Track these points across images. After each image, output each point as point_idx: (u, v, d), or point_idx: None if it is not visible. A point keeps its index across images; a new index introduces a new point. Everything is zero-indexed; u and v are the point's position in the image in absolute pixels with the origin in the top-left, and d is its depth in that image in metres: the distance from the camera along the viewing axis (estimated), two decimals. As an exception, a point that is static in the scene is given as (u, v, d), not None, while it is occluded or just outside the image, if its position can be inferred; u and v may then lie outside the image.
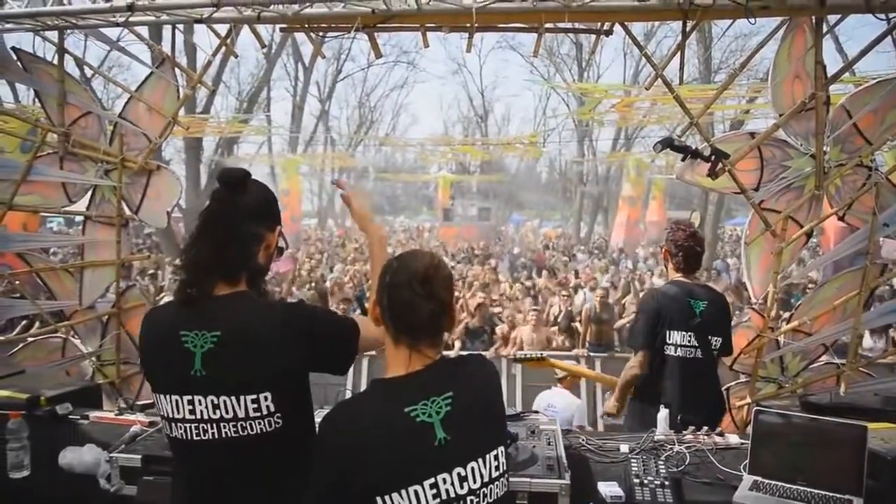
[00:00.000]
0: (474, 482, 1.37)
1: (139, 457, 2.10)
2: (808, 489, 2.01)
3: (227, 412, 1.54)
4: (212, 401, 1.54)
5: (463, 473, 1.36)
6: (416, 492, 1.33)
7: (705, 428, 2.55)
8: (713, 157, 3.39)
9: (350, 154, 32.58)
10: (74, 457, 2.20)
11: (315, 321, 1.65)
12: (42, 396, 2.83)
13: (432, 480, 1.34)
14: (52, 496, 2.17)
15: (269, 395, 1.54)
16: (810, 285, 8.31)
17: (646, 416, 2.93)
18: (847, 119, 3.49)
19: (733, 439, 2.46)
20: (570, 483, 1.98)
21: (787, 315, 3.80)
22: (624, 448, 2.40)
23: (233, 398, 1.54)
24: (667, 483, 2.02)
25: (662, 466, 2.14)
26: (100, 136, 4.09)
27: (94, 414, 2.81)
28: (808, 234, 3.61)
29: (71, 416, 2.78)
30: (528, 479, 1.92)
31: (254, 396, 1.54)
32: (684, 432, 2.53)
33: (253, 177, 1.74)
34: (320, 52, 4.23)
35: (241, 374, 1.54)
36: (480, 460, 1.39)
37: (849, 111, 3.50)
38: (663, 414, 2.54)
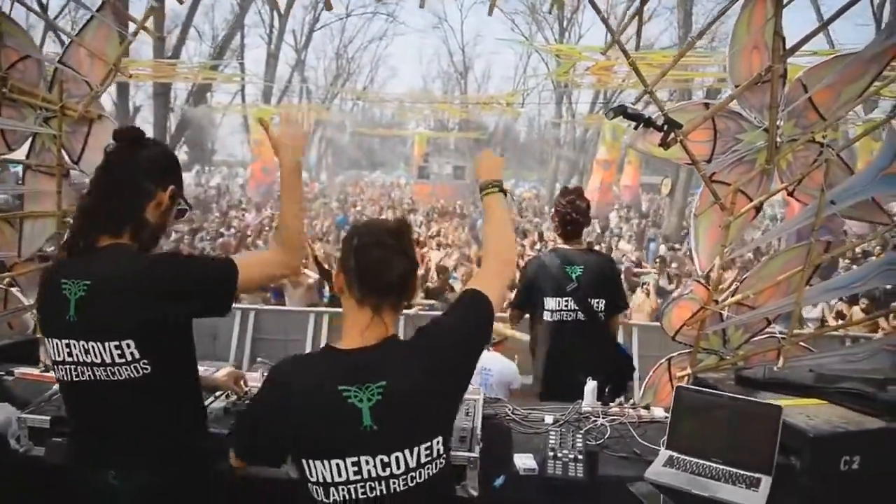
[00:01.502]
0: (398, 468, 1.38)
1: (48, 418, 2.05)
2: (721, 466, 2.05)
3: (96, 357, 1.62)
4: (83, 345, 1.64)
5: (386, 460, 1.38)
6: (337, 465, 1.37)
7: (632, 401, 2.57)
8: (666, 127, 3.36)
9: (326, 107, 31.95)
10: (-15, 416, 2.14)
11: (183, 268, 1.68)
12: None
13: (355, 459, 1.37)
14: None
15: (131, 342, 1.61)
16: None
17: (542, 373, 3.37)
18: (803, 93, 3.46)
19: (658, 413, 2.48)
20: (482, 456, 1.98)
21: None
22: (549, 419, 2.42)
23: (99, 344, 1.61)
24: (580, 457, 2.03)
25: (580, 440, 2.15)
26: (39, 82, 3.90)
27: (18, 370, 2.74)
28: (758, 209, 3.61)
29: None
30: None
31: (116, 343, 1.61)
32: (611, 404, 2.55)
33: (150, 136, 1.80)
34: None
35: (105, 321, 1.61)
36: (407, 451, 1.39)
37: (805, 85, 3.46)
38: (591, 386, 2.55)
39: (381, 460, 1.38)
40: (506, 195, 1.96)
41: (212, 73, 18.68)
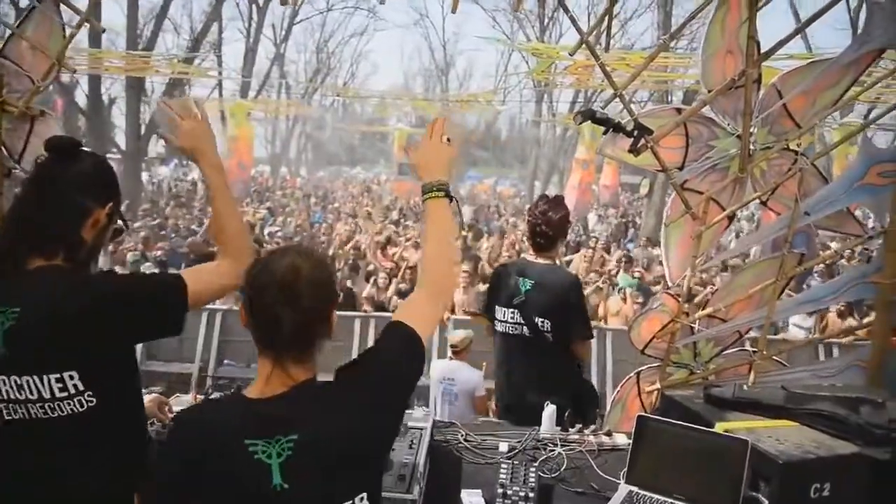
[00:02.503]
0: None
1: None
2: None
3: (31, 393, 1.44)
4: (15, 381, 1.45)
5: None
6: None
7: (592, 427, 2.43)
8: (636, 133, 3.22)
9: (306, 102, 31.58)
10: None
11: (127, 290, 1.54)
12: None
13: None
14: None
15: (74, 373, 1.44)
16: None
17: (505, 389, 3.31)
18: (778, 99, 3.34)
19: (621, 440, 2.34)
20: (426, 491, 1.82)
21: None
22: (503, 447, 2.26)
23: (35, 378, 1.43)
24: (531, 494, 1.88)
25: (533, 473, 1.99)
26: (-23, 76, 3.68)
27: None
28: (730, 218, 3.48)
29: None
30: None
31: (57, 375, 1.44)
32: (571, 430, 2.40)
33: (87, 149, 1.64)
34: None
35: (43, 353, 1.44)
36: None
37: (780, 91, 3.34)
38: (549, 411, 2.41)
39: None
40: (452, 201, 1.69)
41: (186, 67, 18.27)
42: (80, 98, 19.29)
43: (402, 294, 8.39)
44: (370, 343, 7.80)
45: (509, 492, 1.89)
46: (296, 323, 1.26)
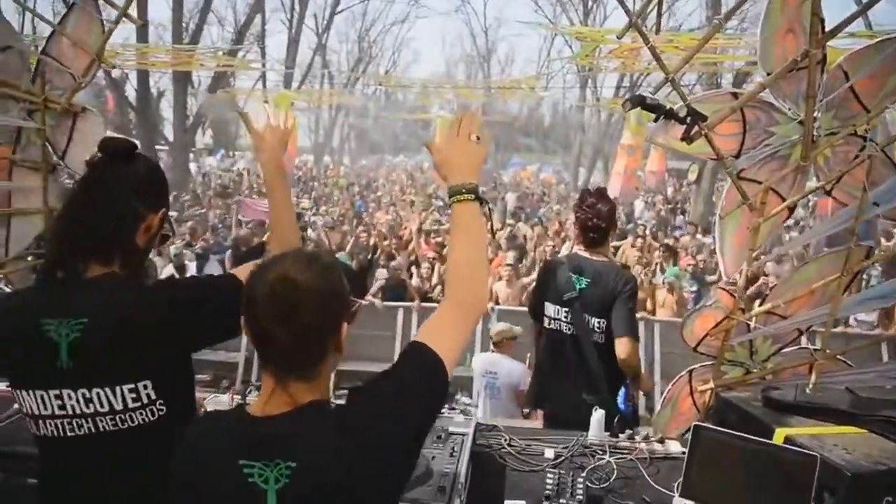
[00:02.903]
0: None
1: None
2: (744, 521, 1.77)
3: (101, 405, 1.40)
4: (83, 394, 1.41)
5: None
6: None
7: (645, 433, 2.30)
8: (689, 119, 3.05)
9: (349, 91, 31.71)
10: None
11: (195, 296, 1.50)
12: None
13: None
14: None
15: (148, 383, 1.40)
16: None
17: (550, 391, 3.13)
18: (844, 81, 3.11)
19: (674, 447, 2.21)
20: (468, 500, 1.74)
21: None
22: (549, 454, 2.16)
23: (107, 390, 1.39)
24: (580, 509, 1.77)
25: (581, 483, 1.89)
26: (22, 74, 3.71)
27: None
28: (791, 210, 3.28)
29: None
30: (410, 504, 1.65)
31: (131, 386, 1.40)
32: (621, 436, 2.28)
33: (139, 151, 1.58)
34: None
35: (113, 363, 1.39)
36: None
37: (846, 73, 3.11)
38: (598, 416, 2.29)
39: None
40: (483, 205, 1.49)
41: (230, 60, 18.49)
42: (131, 92, 19.77)
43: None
44: (413, 335, 7.86)
45: (556, 503, 1.79)
46: (293, 342, 1.13)
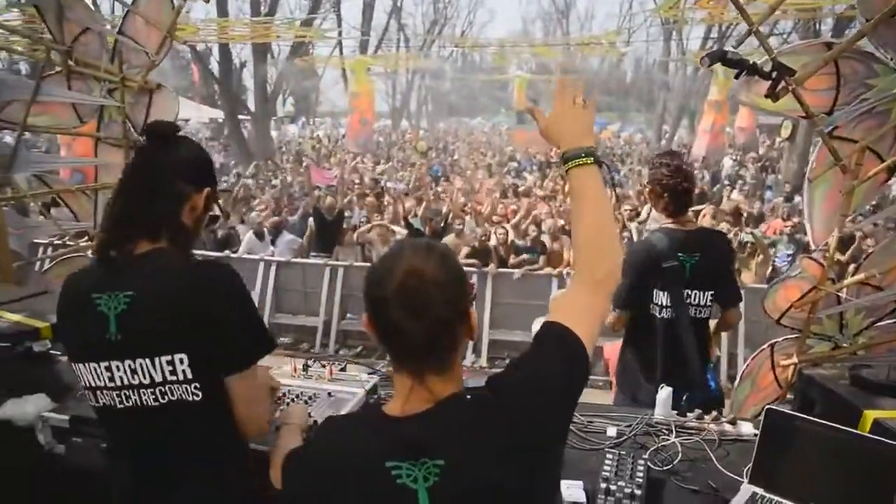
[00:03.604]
0: None
1: (67, 417, 1.98)
2: (818, 513, 1.65)
3: (144, 377, 1.45)
4: (129, 365, 1.45)
5: None
6: None
7: (714, 413, 2.18)
8: (775, 74, 2.80)
9: (425, 54, 31.54)
10: (16, 409, 2.11)
11: (238, 301, 1.51)
12: (45, 325, 2.73)
13: None
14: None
15: (184, 357, 1.43)
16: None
17: (633, 383, 2.90)
18: (956, 25, 2.77)
19: (746, 429, 2.09)
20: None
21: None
22: (612, 432, 2.09)
23: (147, 360, 1.44)
24: (638, 492, 1.70)
25: (642, 466, 1.81)
26: (102, 54, 3.88)
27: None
28: (890, 171, 2.98)
29: (52, 351, 2.70)
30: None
31: (168, 358, 1.43)
32: (689, 415, 2.17)
33: (183, 133, 1.61)
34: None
35: (155, 334, 1.43)
36: None
37: (959, 16, 2.77)
38: (664, 394, 2.18)
39: None
40: (602, 167, 1.40)
41: (306, 30, 18.69)
42: (214, 65, 20.39)
43: (519, 250, 8.23)
44: (487, 296, 7.83)
45: (613, 487, 1.72)
46: (427, 335, 1.10)
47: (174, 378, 1.44)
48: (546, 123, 1.50)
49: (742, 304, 6.67)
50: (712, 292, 2.85)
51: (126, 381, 1.46)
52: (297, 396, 2.03)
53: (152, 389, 1.45)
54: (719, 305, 2.96)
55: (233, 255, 8.80)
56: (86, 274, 1.55)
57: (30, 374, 2.34)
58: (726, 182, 13.54)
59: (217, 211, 1.72)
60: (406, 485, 1.07)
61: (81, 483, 1.84)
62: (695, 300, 2.83)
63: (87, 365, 1.48)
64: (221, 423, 1.52)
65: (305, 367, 2.23)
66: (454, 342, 1.15)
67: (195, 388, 1.45)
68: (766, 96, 2.86)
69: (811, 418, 1.79)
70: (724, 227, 8.17)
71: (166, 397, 1.46)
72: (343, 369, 2.24)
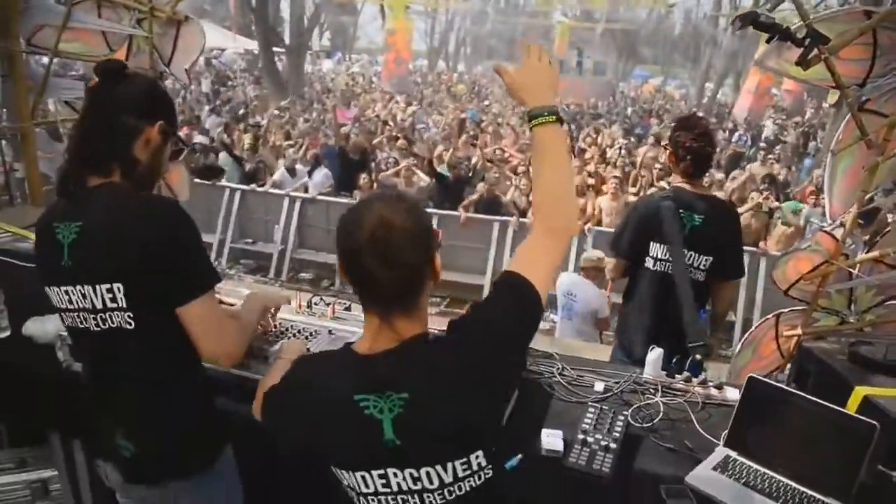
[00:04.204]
0: (430, 483, 1.22)
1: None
2: (785, 480, 1.71)
3: (89, 303, 1.56)
4: (79, 290, 1.57)
5: (416, 475, 1.21)
6: (363, 477, 1.24)
7: (703, 375, 2.23)
8: (807, 41, 2.72)
9: (467, -7, 30.70)
10: (37, 328, 2.24)
11: (179, 236, 1.56)
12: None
13: (381, 472, 1.22)
14: (18, 362, 2.24)
15: (120, 286, 1.53)
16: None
17: (629, 338, 3.03)
18: None
19: (732, 394, 2.13)
20: (508, 424, 1.79)
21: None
22: (599, 387, 2.15)
23: (90, 287, 1.55)
24: (612, 446, 1.77)
25: (622, 422, 1.88)
26: (133, -19, 3.89)
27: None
28: (918, 148, 2.90)
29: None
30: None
31: (108, 286, 1.53)
32: (678, 377, 2.23)
33: (132, 70, 1.66)
34: None
35: (96, 263, 1.53)
36: (438, 467, 1.21)
37: None
38: (655, 354, 2.23)
39: (411, 474, 1.21)
40: (562, 124, 1.48)
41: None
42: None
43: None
44: (508, 249, 7.87)
45: (590, 439, 1.79)
46: (395, 281, 1.19)
47: (113, 305, 1.54)
48: (511, 80, 1.54)
49: (762, 269, 6.66)
50: (710, 258, 2.87)
51: (79, 305, 1.57)
52: (299, 332, 2.12)
53: (94, 315, 1.56)
54: (718, 277, 2.98)
55: (259, 190, 8.94)
56: (54, 205, 1.66)
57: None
58: (763, 145, 13.16)
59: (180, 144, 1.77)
60: (373, 415, 1.19)
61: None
62: (688, 260, 2.90)
63: (50, 288, 1.61)
64: (158, 353, 1.61)
65: (310, 304, 2.32)
66: (421, 286, 1.25)
67: (129, 317, 1.55)
68: (797, 64, 2.79)
69: (791, 390, 1.84)
70: (753, 195, 8.03)
71: (106, 324, 1.56)
72: (348, 308, 2.34)
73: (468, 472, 1.23)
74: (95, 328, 1.58)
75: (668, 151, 3.01)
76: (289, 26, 21.74)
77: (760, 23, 2.74)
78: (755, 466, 1.76)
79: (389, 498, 1.23)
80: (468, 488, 1.23)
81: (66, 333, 2.11)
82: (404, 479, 1.22)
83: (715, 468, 1.75)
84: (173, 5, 3.77)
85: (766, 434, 1.80)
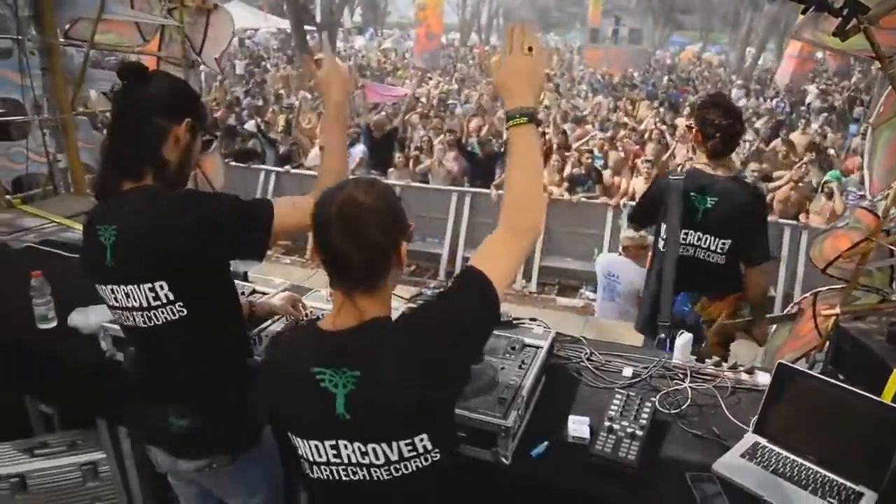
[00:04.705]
0: (376, 459, 1.28)
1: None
2: (815, 468, 1.69)
3: (134, 301, 1.61)
4: (123, 290, 1.62)
5: (364, 449, 1.28)
6: (316, 446, 1.30)
7: (734, 361, 2.21)
8: (845, 11, 2.62)
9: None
10: (81, 319, 2.34)
11: (214, 210, 1.60)
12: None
13: (333, 443, 1.29)
14: (66, 351, 2.35)
15: (164, 283, 1.58)
16: None
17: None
18: None
19: (763, 379, 2.11)
20: (532, 413, 1.86)
21: None
22: (627, 372, 2.16)
23: (134, 287, 1.60)
24: (639, 433, 1.77)
25: (648, 408, 1.87)
26: (163, -28, 3.95)
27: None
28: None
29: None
30: (466, 414, 1.71)
31: (150, 285, 1.58)
32: (707, 361, 2.21)
33: (155, 69, 1.74)
34: None
35: (137, 264, 1.59)
36: (384, 444, 1.27)
37: None
38: (684, 339, 2.21)
39: (359, 448, 1.27)
40: (538, 126, 1.53)
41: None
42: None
43: (573, 180, 8.10)
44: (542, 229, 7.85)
45: (616, 426, 1.80)
46: (361, 258, 1.24)
47: (157, 303, 1.60)
48: (496, 79, 1.53)
49: (803, 243, 6.48)
50: (728, 241, 2.83)
51: (124, 304, 1.64)
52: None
53: (141, 313, 1.62)
54: (740, 261, 2.92)
55: (293, 171, 9.04)
56: (94, 207, 1.72)
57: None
58: (804, 112, 12.71)
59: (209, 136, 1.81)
60: (328, 389, 1.25)
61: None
62: (705, 244, 2.87)
63: (100, 287, 1.68)
64: (209, 333, 1.68)
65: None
66: (385, 268, 1.29)
67: (179, 306, 1.61)
68: (834, 34, 2.69)
69: (821, 377, 1.81)
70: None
71: (152, 321, 1.62)
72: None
73: (413, 453, 1.28)
74: (143, 324, 1.64)
75: (693, 130, 2.95)
76: (320, 4, 21.71)
77: (796, -7, 2.65)
78: (784, 453, 1.74)
79: (340, 469, 1.30)
80: (414, 468, 1.29)
81: (108, 324, 2.22)
82: (353, 452, 1.27)
83: (743, 455, 1.74)
84: (202, -6, 3.82)
85: (796, 421, 1.78)
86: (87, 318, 2.34)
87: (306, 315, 2.22)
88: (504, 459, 1.72)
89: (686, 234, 2.89)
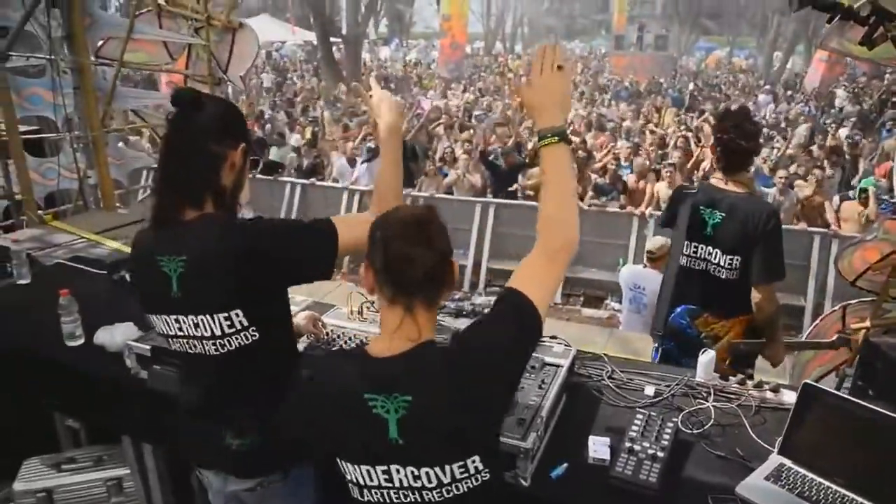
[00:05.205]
0: (429, 482, 1.30)
1: (149, 347, 2.21)
2: (843, 491, 1.64)
3: (206, 330, 1.61)
4: (192, 320, 1.61)
5: (416, 473, 1.30)
6: (368, 471, 1.32)
7: (759, 378, 2.17)
8: (872, 19, 2.57)
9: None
10: (106, 336, 2.39)
11: (276, 237, 1.62)
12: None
13: (385, 468, 1.31)
14: (92, 368, 2.40)
15: (239, 311, 1.58)
16: None
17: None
18: None
19: (789, 397, 2.07)
20: (556, 431, 1.86)
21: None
22: (649, 391, 2.13)
23: (206, 317, 1.59)
24: (660, 455, 1.75)
25: (670, 429, 1.85)
26: (189, -9, 4.04)
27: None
28: None
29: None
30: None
31: (225, 314, 1.58)
32: (731, 379, 2.17)
33: (207, 93, 1.71)
34: None
35: (211, 294, 1.58)
36: (437, 468, 1.29)
37: None
38: (707, 357, 2.18)
39: (412, 472, 1.29)
40: (569, 144, 1.53)
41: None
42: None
43: (598, 189, 8.05)
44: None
45: (637, 447, 1.77)
46: (426, 264, 1.28)
47: (232, 330, 1.60)
48: (526, 101, 1.56)
49: (832, 252, 6.35)
50: (736, 257, 2.79)
51: (191, 333, 1.63)
52: (349, 340, 2.19)
53: (212, 341, 1.62)
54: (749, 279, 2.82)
55: (318, 183, 9.13)
56: (147, 234, 1.68)
57: (122, 303, 2.60)
58: (831, 117, 12.45)
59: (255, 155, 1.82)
60: (380, 414, 1.27)
61: (161, 403, 2.06)
62: (714, 258, 2.85)
63: (159, 317, 1.67)
64: (275, 352, 1.70)
65: (361, 311, 2.38)
66: (443, 281, 1.33)
67: (252, 331, 1.61)
68: (861, 43, 2.64)
69: (848, 397, 1.77)
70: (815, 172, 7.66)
71: (226, 347, 1.62)
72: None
73: (465, 474, 1.30)
74: (214, 352, 1.64)
75: (710, 144, 2.95)
76: (346, 16, 21.96)
77: (819, 3, 2.61)
78: (810, 476, 1.70)
79: (391, 492, 1.31)
80: (465, 489, 1.31)
81: (133, 342, 2.26)
82: (406, 475, 1.29)
83: (767, 477, 1.70)
84: (227, 13, 3.90)
85: (823, 442, 1.74)
86: (112, 337, 2.38)
87: (327, 334, 2.23)
88: (523, 481, 1.71)
89: (697, 247, 2.89)
